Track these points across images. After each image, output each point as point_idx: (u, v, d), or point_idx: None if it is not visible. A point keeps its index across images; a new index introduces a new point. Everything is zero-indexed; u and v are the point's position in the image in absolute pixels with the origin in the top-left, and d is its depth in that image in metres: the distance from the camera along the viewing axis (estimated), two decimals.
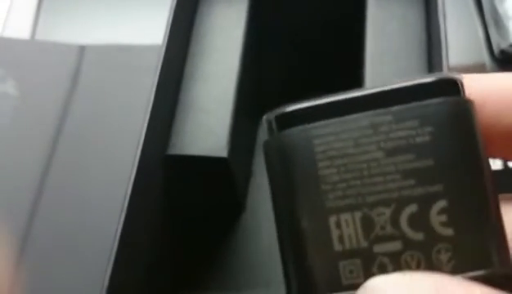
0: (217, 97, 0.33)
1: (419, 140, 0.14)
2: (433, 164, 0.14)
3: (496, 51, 0.42)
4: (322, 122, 0.15)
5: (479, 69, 0.42)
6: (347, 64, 0.36)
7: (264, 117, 0.16)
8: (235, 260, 0.36)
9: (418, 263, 0.14)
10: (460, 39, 0.42)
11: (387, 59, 0.31)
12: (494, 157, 0.17)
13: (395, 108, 0.14)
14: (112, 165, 0.40)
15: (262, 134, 0.40)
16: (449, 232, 0.14)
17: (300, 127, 0.15)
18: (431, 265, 0.14)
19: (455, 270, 0.14)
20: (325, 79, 0.39)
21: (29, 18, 0.50)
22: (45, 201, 0.39)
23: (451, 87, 0.15)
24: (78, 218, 0.38)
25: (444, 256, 0.14)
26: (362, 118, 0.15)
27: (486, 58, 0.43)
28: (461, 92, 0.15)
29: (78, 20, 0.49)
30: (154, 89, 0.31)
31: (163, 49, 0.32)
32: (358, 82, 0.34)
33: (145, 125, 0.30)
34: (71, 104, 0.43)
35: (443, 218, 0.14)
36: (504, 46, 0.42)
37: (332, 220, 0.14)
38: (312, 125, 0.15)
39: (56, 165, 0.41)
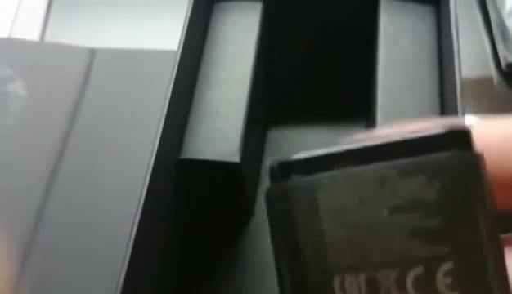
0: (230, 103, 0.34)
1: (426, 196, 0.14)
2: (440, 223, 0.13)
3: (503, 64, 0.43)
4: (327, 174, 0.14)
5: (486, 82, 0.43)
6: (358, 74, 0.36)
7: (268, 163, 0.15)
8: (244, 264, 0.36)
9: None
10: (467, 53, 0.43)
11: (398, 70, 0.32)
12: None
13: (402, 161, 0.14)
14: (121, 167, 0.41)
15: (272, 139, 0.41)
16: None
17: (304, 178, 0.14)
18: None
19: None
20: (336, 89, 0.39)
21: (38, 20, 0.51)
22: (53, 202, 0.40)
23: (461, 139, 0.14)
24: (88, 219, 0.39)
25: None
26: (368, 172, 0.14)
27: (493, 71, 0.43)
28: (470, 144, 0.14)
29: (89, 23, 0.50)
30: (169, 94, 0.31)
31: (179, 55, 0.32)
32: (369, 92, 0.34)
33: (160, 129, 0.30)
34: (81, 106, 0.44)
35: (449, 280, 0.13)
36: (511, 59, 0.42)
37: (336, 281, 0.13)
38: (316, 176, 0.14)
39: (65, 165, 0.41)
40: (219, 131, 0.33)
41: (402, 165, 0.14)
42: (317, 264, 0.14)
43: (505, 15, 0.43)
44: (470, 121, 0.15)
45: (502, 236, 0.14)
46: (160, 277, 0.32)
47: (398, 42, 0.33)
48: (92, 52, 0.46)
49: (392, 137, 0.14)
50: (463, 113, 0.27)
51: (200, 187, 0.34)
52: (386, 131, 0.15)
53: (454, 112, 0.28)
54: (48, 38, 0.49)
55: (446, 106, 0.30)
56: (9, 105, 0.45)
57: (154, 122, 0.31)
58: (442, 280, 0.13)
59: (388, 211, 0.14)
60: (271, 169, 0.15)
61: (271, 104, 0.40)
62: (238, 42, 0.36)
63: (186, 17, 0.34)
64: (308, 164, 0.14)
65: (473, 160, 0.14)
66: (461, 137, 0.14)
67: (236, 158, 0.32)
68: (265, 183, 0.39)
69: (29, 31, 0.50)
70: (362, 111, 0.38)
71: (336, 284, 0.13)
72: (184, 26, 0.34)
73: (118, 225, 0.34)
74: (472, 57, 0.44)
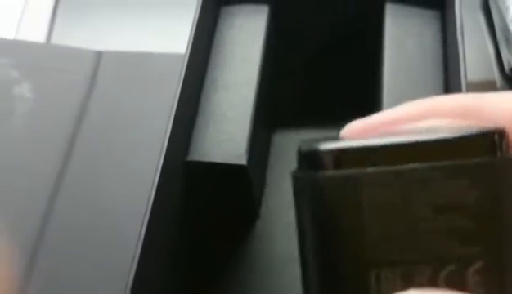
0: (237, 106, 0.34)
1: (465, 200, 0.14)
2: (475, 226, 0.14)
3: (506, 68, 0.43)
4: (371, 170, 0.14)
5: (490, 86, 0.43)
6: (363, 77, 0.37)
7: (300, 148, 0.15)
8: (249, 265, 0.36)
9: None
10: (471, 57, 0.43)
11: (404, 74, 0.32)
12: None
13: (447, 163, 0.14)
14: (128, 169, 0.41)
15: (278, 142, 0.41)
16: (481, 292, 0.14)
17: (347, 171, 0.14)
18: None
19: None
20: (341, 92, 0.40)
21: (44, 22, 0.51)
22: (60, 204, 0.40)
23: (500, 141, 0.14)
24: (96, 221, 0.39)
25: None
26: (413, 172, 0.14)
27: (496, 75, 0.44)
28: (506, 148, 0.14)
29: (95, 26, 0.50)
30: (177, 96, 0.32)
31: (186, 58, 0.33)
32: (374, 96, 0.35)
33: (169, 131, 0.30)
34: (87, 109, 0.44)
35: (478, 278, 0.14)
36: None
37: (373, 273, 0.14)
38: (359, 171, 0.14)
39: (72, 168, 0.41)
40: (226, 134, 0.33)
41: (447, 168, 0.14)
42: (355, 256, 0.14)
43: (508, 20, 0.43)
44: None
45: None
46: (167, 278, 0.33)
47: (404, 46, 0.34)
48: (99, 55, 0.46)
49: (437, 134, 0.14)
50: None
51: (207, 189, 0.35)
52: (401, 124, 0.15)
53: None
54: (54, 41, 0.49)
55: None
56: (15, 108, 0.45)
57: (162, 124, 0.31)
58: (471, 278, 0.14)
59: (429, 210, 0.14)
60: (306, 156, 0.14)
61: (277, 107, 0.41)
62: (245, 45, 0.36)
63: (193, 20, 0.34)
64: (349, 155, 0.14)
65: (510, 165, 0.14)
66: (499, 141, 0.14)
67: (243, 161, 0.33)
68: (270, 186, 0.40)
69: (35, 33, 0.50)
70: (368, 114, 0.38)
71: (372, 277, 0.14)
72: (192, 29, 0.34)
73: (126, 227, 0.34)
74: (476, 61, 0.44)
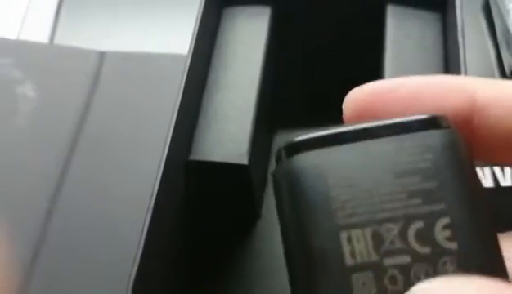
0: (239, 106, 0.35)
1: (421, 165, 0.16)
2: (435, 186, 0.15)
3: (507, 71, 0.43)
4: (330, 148, 0.16)
5: None
6: (365, 79, 0.37)
7: (276, 150, 0.17)
8: (250, 265, 0.37)
9: (426, 274, 0.15)
10: (472, 59, 0.43)
11: (405, 75, 0.33)
12: (494, 162, 0.18)
13: (399, 137, 0.16)
14: (130, 168, 0.41)
15: (279, 143, 0.41)
16: (453, 245, 0.15)
17: (309, 152, 0.16)
18: (438, 275, 0.15)
19: None
20: (343, 93, 0.40)
21: (47, 22, 0.51)
22: (63, 203, 0.40)
23: (443, 122, 0.16)
24: (98, 220, 0.39)
25: (450, 268, 0.15)
26: (371, 145, 0.16)
27: (497, 77, 0.44)
28: (450, 125, 0.16)
29: (98, 26, 0.50)
30: (179, 97, 0.32)
31: (189, 59, 0.33)
32: None
33: (171, 130, 0.31)
34: (90, 109, 0.44)
35: (447, 233, 0.15)
36: None
37: (344, 235, 0.15)
38: (320, 150, 0.16)
39: (75, 167, 0.42)
40: (228, 134, 0.34)
41: (400, 139, 0.16)
42: (325, 223, 0.15)
43: (509, 23, 0.43)
44: None
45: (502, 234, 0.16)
46: (168, 277, 0.33)
47: (405, 47, 0.34)
48: (102, 55, 0.46)
49: (385, 120, 0.16)
50: None
51: (208, 188, 0.35)
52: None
53: None
54: (57, 41, 0.50)
55: None
56: (19, 107, 0.45)
57: (164, 124, 0.32)
58: (441, 233, 0.15)
59: (389, 176, 0.16)
60: (278, 151, 0.16)
61: (278, 108, 0.41)
62: (247, 46, 0.37)
63: (196, 22, 0.35)
64: (312, 142, 0.16)
65: (456, 135, 0.16)
66: (443, 119, 0.16)
67: (245, 160, 0.33)
68: (271, 186, 0.40)
69: (38, 33, 0.50)
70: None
71: (343, 239, 0.15)
72: (194, 30, 0.34)
73: (128, 226, 0.34)
74: (476, 63, 0.44)
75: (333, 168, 0.16)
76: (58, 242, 0.39)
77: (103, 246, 0.38)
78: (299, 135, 0.16)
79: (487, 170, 0.38)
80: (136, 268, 0.27)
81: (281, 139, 0.42)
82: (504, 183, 0.38)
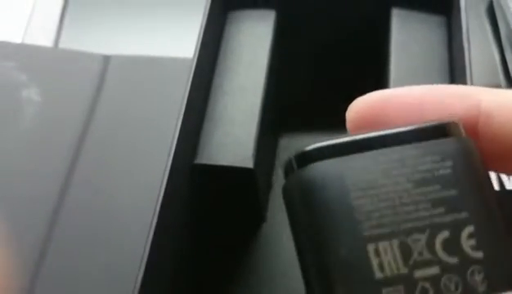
0: (244, 110, 0.35)
1: (441, 172, 0.15)
2: (456, 194, 0.15)
3: (511, 73, 0.43)
4: (347, 157, 0.15)
5: None
6: (369, 83, 0.37)
7: (284, 160, 0.16)
8: (255, 268, 0.37)
9: (456, 285, 0.15)
10: (476, 61, 0.43)
11: (410, 79, 0.33)
12: (497, 170, 0.18)
13: (415, 144, 0.15)
14: (136, 172, 0.41)
15: (284, 146, 0.42)
16: (479, 255, 0.15)
17: (329, 161, 0.15)
18: (467, 286, 0.15)
19: (489, 290, 0.15)
20: (348, 97, 0.40)
21: (52, 26, 0.51)
22: (68, 208, 0.40)
23: (457, 128, 0.16)
24: (104, 224, 0.39)
25: (478, 277, 0.15)
26: (390, 152, 0.15)
27: (501, 80, 0.44)
28: (463, 132, 0.16)
29: (103, 30, 0.50)
30: (185, 100, 0.32)
31: (194, 62, 0.33)
32: None
33: (177, 134, 0.31)
34: (95, 113, 0.44)
35: (473, 242, 0.15)
36: None
37: (371, 248, 0.14)
38: (336, 159, 0.15)
39: (80, 171, 0.42)
40: (233, 137, 0.34)
41: (420, 146, 0.16)
42: (350, 235, 0.14)
43: None
44: None
45: None
46: (174, 280, 0.33)
47: (410, 50, 0.34)
48: (107, 59, 0.47)
49: (400, 127, 0.16)
50: None
51: (214, 191, 0.35)
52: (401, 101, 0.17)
53: None
54: (62, 45, 0.50)
55: None
56: (24, 111, 0.45)
57: (170, 128, 0.32)
58: (466, 242, 0.15)
59: (411, 184, 0.15)
60: (288, 162, 0.15)
61: (283, 111, 0.41)
62: (252, 49, 0.37)
63: (201, 25, 0.35)
64: (329, 150, 0.15)
65: (471, 142, 0.16)
66: (457, 126, 0.16)
67: (250, 164, 0.33)
68: (276, 189, 0.40)
69: (43, 37, 0.51)
70: None
71: (371, 251, 0.14)
72: (199, 34, 0.34)
73: (134, 230, 0.34)
74: (481, 66, 0.44)
75: (352, 177, 0.15)
76: (63, 246, 0.39)
77: (109, 249, 0.38)
78: (308, 144, 0.15)
79: (492, 173, 0.38)
80: (142, 271, 0.27)
81: (286, 142, 0.42)
82: (510, 186, 0.38)
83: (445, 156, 0.15)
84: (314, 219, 0.15)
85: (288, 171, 0.16)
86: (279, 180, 0.40)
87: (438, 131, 0.16)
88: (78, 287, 0.37)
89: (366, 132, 0.16)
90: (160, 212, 0.29)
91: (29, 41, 0.50)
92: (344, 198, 0.15)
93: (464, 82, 0.29)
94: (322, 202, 0.15)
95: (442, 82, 0.33)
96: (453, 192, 0.15)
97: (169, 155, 0.30)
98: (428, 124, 0.16)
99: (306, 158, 0.15)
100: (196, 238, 0.36)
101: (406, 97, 0.17)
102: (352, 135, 0.16)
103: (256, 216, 0.38)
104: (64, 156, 0.42)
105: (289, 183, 0.15)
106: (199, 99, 0.35)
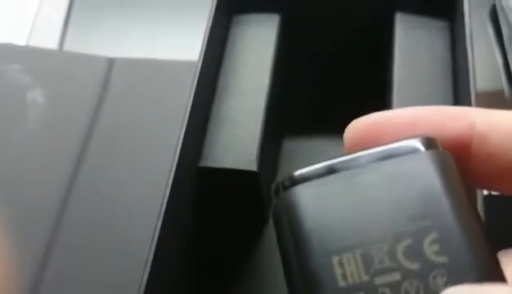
0: (248, 113, 0.35)
1: (409, 186, 0.16)
2: (423, 204, 0.16)
3: None
4: (322, 179, 0.17)
5: (498, 95, 0.43)
6: (374, 86, 0.37)
7: (273, 186, 0.18)
8: (257, 270, 0.37)
9: (417, 290, 0.15)
10: (479, 66, 0.43)
11: (414, 84, 0.33)
12: (493, 190, 0.18)
13: (387, 161, 0.17)
14: (140, 175, 0.41)
15: (287, 149, 0.42)
16: (443, 259, 0.15)
17: (303, 184, 0.17)
18: (429, 290, 0.15)
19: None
20: (352, 100, 0.40)
21: (56, 28, 0.51)
22: (72, 210, 0.40)
23: (429, 142, 0.17)
24: (109, 227, 0.39)
25: (441, 281, 0.15)
26: (357, 172, 0.17)
27: (504, 85, 0.44)
28: (439, 146, 0.17)
29: (108, 33, 0.50)
30: (190, 103, 0.32)
31: (199, 65, 0.33)
32: (384, 105, 0.35)
33: (182, 137, 0.31)
34: (100, 115, 0.44)
35: (436, 248, 0.15)
36: None
37: (335, 259, 0.16)
38: (312, 182, 0.17)
39: (85, 173, 0.42)
40: (237, 140, 0.34)
41: (387, 164, 0.17)
42: (319, 250, 0.16)
43: None
44: None
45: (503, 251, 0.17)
46: (178, 282, 0.33)
47: (413, 55, 0.34)
48: (111, 62, 0.47)
49: (374, 147, 0.17)
50: None
51: (218, 194, 0.35)
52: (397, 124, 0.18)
53: None
54: (67, 47, 0.50)
55: None
56: (29, 113, 0.45)
57: (174, 131, 0.32)
58: (429, 248, 0.16)
59: (378, 199, 0.16)
60: (277, 185, 0.17)
61: (287, 114, 0.41)
62: (256, 53, 0.37)
63: (206, 29, 0.35)
64: (307, 175, 0.17)
65: (444, 155, 0.17)
66: (431, 141, 0.17)
67: (254, 167, 0.33)
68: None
69: (48, 40, 0.51)
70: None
71: (335, 262, 0.16)
72: (204, 37, 0.35)
73: (139, 231, 0.34)
74: (484, 70, 0.44)
75: (324, 196, 0.16)
76: (67, 249, 0.39)
77: (114, 251, 0.38)
78: (297, 170, 0.17)
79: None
80: (147, 272, 0.27)
81: (289, 145, 0.42)
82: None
83: (413, 170, 0.16)
84: (291, 235, 0.17)
85: (276, 192, 0.17)
86: None
87: (408, 147, 0.17)
88: (83, 290, 0.37)
89: (344, 155, 0.17)
90: (165, 214, 0.29)
91: (33, 43, 0.50)
92: (316, 216, 0.16)
93: (467, 86, 0.29)
94: (298, 220, 0.16)
95: (445, 86, 0.33)
96: (419, 203, 0.16)
97: (174, 158, 0.31)
98: (397, 143, 0.17)
99: (289, 182, 0.17)
100: (200, 239, 0.36)
101: (400, 118, 0.18)
102: (332, 158, 0.17)
103: (259, 218, 0.38)
104: (68, 158, 0.42)
105: (275, 203, 0.17)
106: (204, 101, 0.35)
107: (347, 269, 0.16)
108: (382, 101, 0.36)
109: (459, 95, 0.32)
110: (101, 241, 0.39)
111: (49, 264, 0.38)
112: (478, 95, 0.30)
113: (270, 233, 0.38)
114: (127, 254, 0.38)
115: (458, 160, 0.17)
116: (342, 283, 0.15)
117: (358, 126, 0.18)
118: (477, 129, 0.17)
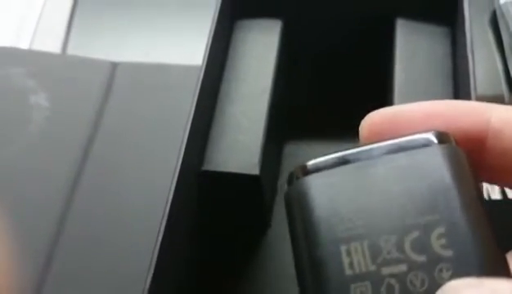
0: (251, 117, 0.35)
1: (419, 179, 0.16)
2: (432, 198, 0.16)
3: None
4: (334, 170, 0.17)
5: (498, 101, 0.44)
6: (375, 91, 0.37)
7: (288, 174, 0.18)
8: (260, 273, 0.37)
9: (422, 282, 0.16)
10: (480, 72, 0.44)
11: (415, 89, 0.33)
12: (507, 185, 0.18)
13: (398, 154, 0.17)
14: (143, 179, 0.42)
15: (289, 153, 0.42)
16: (449, 253, 0.16)
17: (315, 174, 0.17)
18: (434, 283, 0.15)
19: None
20: (354, 104, 0.41)
21: (59, 32, 0.51)
22: (75, 213, 0.40)
23: (441, 137, 0.17)
24: (112, 230, 0.40)
25: (446, 275, 0.15)
26: (368, 164, 0.17)
27: (505, 90, 0.44)
28: (452, 141, 0.17)
29: (111, 37, 0.51)
30: (193, 108, 0.32)
31: (203, 70, 0.34)
32: None
33: (185, 141, 0.31)
34: (103, 119, 0.45)
35: (443, 241, 0.16)
36: None
37: (343, 248, 0.16)
38: (324, 172, 0.17)
39: (88, 177, 0.42)
40: (240, 144, 0.34)
41: (398, 157, 0.17)
42: (327, 238, 0.16)
43: None
44: None
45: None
46: (181, 284, 0.33)
47: (414, 61, 0.34)
48: (114, 66, 0.47)
49: (387, 140, 0.17)
50: None
51: (220, 198, 0.35)
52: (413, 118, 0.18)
53: None
54: (70, 51, 0.50)
55: None
56: (32, 116, 0.46)
57: (177, 135, 0.32)
58: (436, 241, 0.16)
59: (388, 191, 0.17)
60: (290, 175, 0.18)
61: (289, 118, 0.42)
62: (258, 58, 0.37)
63: (209, 34, 0.35)
64: (319, 165, 0.17)
65: (453, 148, 0.17)
66: (444, 136, 0.17)
67: (256, 171, 0.33)
68: (281, 195, 0.40)
69: (51, 44, 0.51)
70: None
71: (343, 251, 0.16)
72: (207, 42, 0.35)
73: (142, 234, 0.35)
74: (484, 76, 0.45)
75: (335, 186, 0.17)
76: (71, 250, 0.39)
77: (117, 254, 0.39)
78: (310, 160, 0.18)
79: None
80: (151, 275, 0.27)
81: (290, 149, 0.42)
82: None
83: (423, 164, 0.17)
84: (302, 223, 0.17)
85: (290, 181, 0.18)
86: (283, 186, 0.41)
87: (419, 141, 0.17)
88: (86, 289, 0.38)
89: (356, 147, 0.18)
90: (168, 217, 0.29)
91: (37, 47, 0.50)
92: (327, 205, 0.17)
93: (467, 92, 0.29)
94: (309, 208, 0.17)
95: (446, 91, 0.33)
96: (428, 196, 0.16)
97: (177, 162, 0.31)
98: (409, 136, 0.17)
99: (302, 171, 0.17)
100: (202, 242, 0.36)
101: (415, 112, 0.18)
102: (345, 149, 0.18)
103: (261, 221, 0.38)
104: (72, 162, 0.42)
105: (288, 191, 0.18)
106: (207, 106, 0.35)
107: (354, 259, 0.16)
108: (383, 106, 0.36)
109: (459, 99, 0.32)
110: (104, 244, 0.39)
111: (53, 264, 0.38)
112: (478, 100, 0.30)
113: (272, 235, 0.39)
114: (130, 256, 0.38)
115: (471, 155, 0.17)
116: (348, 272, 0.16)
117: (375, 119, 0.18)
118: (492, 124, 0.17)
